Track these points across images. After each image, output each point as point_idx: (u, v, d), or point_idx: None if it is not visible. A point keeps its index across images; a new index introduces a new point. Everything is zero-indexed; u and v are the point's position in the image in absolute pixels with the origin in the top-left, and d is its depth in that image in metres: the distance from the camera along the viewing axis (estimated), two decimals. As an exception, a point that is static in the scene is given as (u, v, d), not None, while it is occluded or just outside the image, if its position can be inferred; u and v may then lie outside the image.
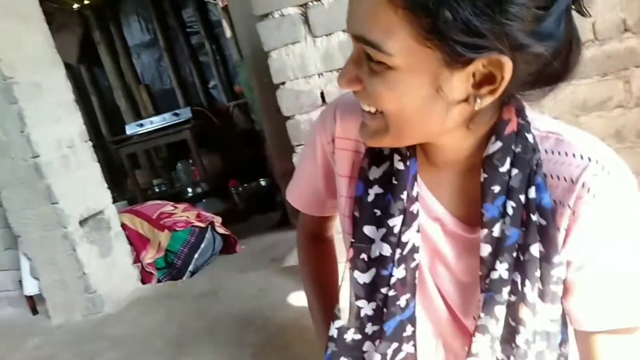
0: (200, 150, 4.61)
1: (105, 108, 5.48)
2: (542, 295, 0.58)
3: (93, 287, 2.34)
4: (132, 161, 4.95)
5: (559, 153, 0.58)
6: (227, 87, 5.14)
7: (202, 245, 2.83)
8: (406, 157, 0.63)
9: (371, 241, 0.65)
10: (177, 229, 2.80)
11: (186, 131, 4.47)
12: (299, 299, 1.95)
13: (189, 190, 4.61)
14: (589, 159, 0.55)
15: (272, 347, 1.70)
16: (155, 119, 4.74)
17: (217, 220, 3.05)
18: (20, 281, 2.51)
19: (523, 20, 0.46)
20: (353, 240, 0.67)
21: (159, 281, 2.72)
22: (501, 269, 0.58)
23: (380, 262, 0.64)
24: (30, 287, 2.43)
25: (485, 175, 0.58)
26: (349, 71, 0.55)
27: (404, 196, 0.63)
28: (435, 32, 0.46)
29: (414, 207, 0.64)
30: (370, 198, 0.65)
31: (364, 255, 0.66)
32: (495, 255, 0.59)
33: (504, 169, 0.57)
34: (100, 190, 2.52)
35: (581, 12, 0.50)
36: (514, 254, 0.58)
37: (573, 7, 0.50)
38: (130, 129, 4.81)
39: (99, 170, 2.54)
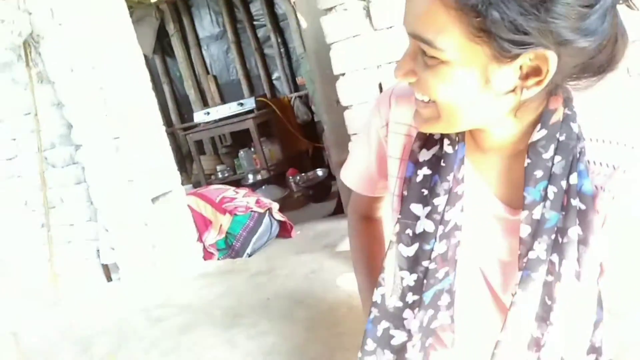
0: (262, 139, 4.79)
1: (175, 97, 5.79)
2: (578, 275, 0.61)
3: (162, 260, 2.54)
4: (198, 147, 5.22)
5: (603, 141, 0.61)
6: (289, 79, 5.27)
7: (260, 230, 2.99)
8: (455, 141, 0.68)
9: (417, 218, 0.70)
10: (238, 213, 2.97)
11: (249, 120, 4.65)
12: (349, 281, 2.03)
13: (250, 177, 4.80)
14: (632, 147, 0.59)
15: (322, 323, 1.80)
16: (221, 108, 4.96)
17: (275, 206, 3.19)
18: (98, 250, 2.76)
19: (568, 18, 0.49)
20: (400, 216, 0.72)
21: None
22: (539, 250, 0.62)
23: (424, 237, 0.69)
24: (107, 257, 2.67)
25: (529, 161, 0.62)
26: (404, 64, 0.61)
27: (450, 177, 0.68)
28: (484, 31, 0.51)
29: (459, 189, 0.68)
30: (418, 178, 0.70)
31: (409, 231, 0.71)
32: (534, 236, 0.62)
33: (547, 155, 0.61)
34: (170, 172, 2.72)
35: (630, 6, 0.53)
36: (553, 236, 0.62)
37: (620, 2, 0.53)
38: (198, 117, 5.06)
39: (171, 154, 2.74)
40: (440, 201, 0.68)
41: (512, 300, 0.64)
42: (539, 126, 0.61)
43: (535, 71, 0.54)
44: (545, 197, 0.61)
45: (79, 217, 2.86)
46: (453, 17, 0.52)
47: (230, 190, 3.25)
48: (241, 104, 4.85)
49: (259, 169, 4.82)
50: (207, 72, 5.57)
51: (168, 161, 2.71)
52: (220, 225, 2.94)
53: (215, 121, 4.91)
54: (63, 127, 2.66)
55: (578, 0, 0.48)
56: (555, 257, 0.62)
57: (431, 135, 0.71)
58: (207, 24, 5.41)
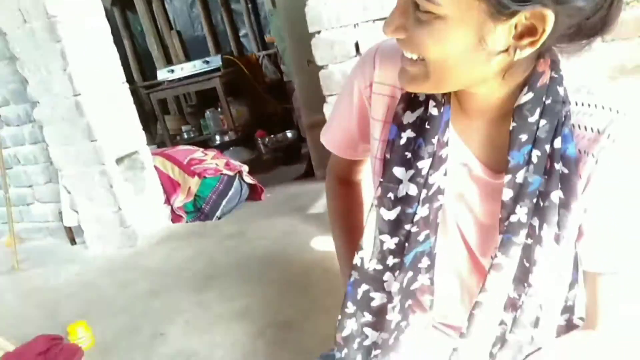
0: (229, 99, 4.65)
1: (137, 53, 5.54)
2: (557, 239, 0.61)
3: (128, 222, 2.47)
4: (162, 107, 5.04)
5: (588, 105, 0.60)
6: (257, 37, 5.12)
7: (230, 193, 2.93)
8: (441, 103, 0.66)
9: (399, 181, 0.69)
10: (207, 175, 2.89)
11: (216, 79, 4.50)
12: (322, 243, 2.04)
13: (217, 138, 4.69)
14: (617, 112, 0.58)
15: (296, 285, 1.80)
16: (185, 65, 4.77)
17: (245, 169, 3.14)
18: (60, 213, 2.66)
19: None
20: (382, 179, 0.70)
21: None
22: (521, 213, 0.62)
23: (406, 201, 0.68)
24: (70, 219, 2.58)
25: (514, 124, 0.60)
26: (395, 19, 0.57)
27: (434, 140, 0.66)
28: None
29: (443, 152, 0.67)
30: (402, 141, 0.68)
31: (391, 195, 0.69)
32: (516, 200, 0.62)
33: (533, 119, 0.60)
34: (135, 131, 2.62)
35: None
36: (534, 200, 0.62)
37: None
38: (161, 75, 4.86)
39: (135, 112, 2.62)
40: (424, 164, 0.67)
41: (492, 262, 0.65)
42: (525, 89, 0.60)
43: (530, 31, 0.52)
44: (529, 161, 0.61)
45: (37, 178, 2.74)
46: None
47: (198, 152, 3.17)
48: (207, 62, 4.68)
49: (226, 130, 4.71)
50: (171, 27, 5.33)
51: (132, 120, 2.61)
52: (189, 188, 2.87)
53: (180, 79, 4.73)
54: (16, 83, 2.50)
55: None
56: (535, 221, 0.62)
57: (416, 97, 0.69)
58: (169, -25, 5.14)
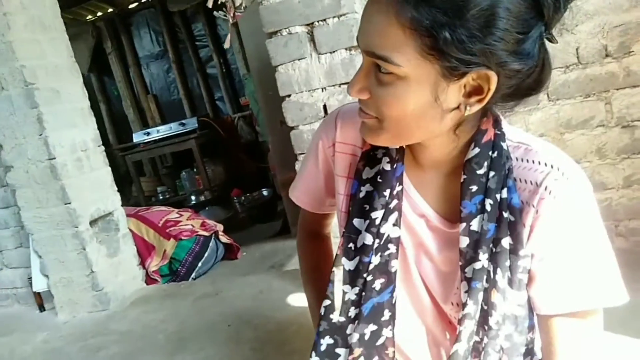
0: (205, 159, 4.72)
1: (113, 116, 5.62)
2: (510, 282, 0.65)
3: (100, 285, 2.43)
4: (137, 168, 5.07)
5: (527, 160, 0.66)
6: (232, 99, 5.27)
7: (206, 254, 2.90)
8: (394, 160, 0.72)
9: (358, 232, 0.73)
10: (183, 237, 2.87)
11: (192, 140, 4.59)
12: (297, 300, 2.04)
13: (192, 198, 4.71)
14: (552, 166, 0.64)
15: (270, 343, 1.79)
16: (162, 127, 4.87)
17: (220, 228, 3.14)
18: (29, 278, 2.60)
19: (506, 42, 0.55)
20: (345, 230, 0.75)
21: (162, 285, 2.80)
22: (483, 259, 0.66)
23: (363, 250, 0.72)
24: (40, 284, 2.52)
25: (465, 177, 0.66)
26: (358, 81, 0.63)
27: (386, 193, 0.71)
28: (436, 50, 0.55)
29: (394, 204, 0.72)
30: (361, 194, 0.74)
31: (351, 245, 0.73)
32: (476, 247, 0.66)
33: (481, 171, 0.66)
34: (110, 192, 2.63)
35: (550, 40, 0.60)
36: (491, 246, 0.66)
37: (545, 34, 0.59)
38: (137, 137, 4.93)
39: (110, 174, 2.65)
40: (377, 215, 0.72)
41: (464, 312, 0.67)
42: (472, 145, 0.66)
43: (477, 90, 0.59)
44: (482, 210, 0.66)
45: (7, 242, 2.69)
46: (408, 36, 0.56)
47: (173, 213, 3.15)
48: (183, 124, 4.78)
49: (202, 190, 4.74)
50: (147, 92, 5.45)
51: (108, 182, 2.62)
52: (165, 251, 2.84)
53: (156, 141, 4.80)
54: (-10, 148, 2.51)
55: (515, 27, 0.55)
56: (490, 266, 0.66)
57: (374, 154, 0.74)
58: (146, 43, 5.32)
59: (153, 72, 5.42)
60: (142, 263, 2.79)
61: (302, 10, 1.74)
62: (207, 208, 4.39)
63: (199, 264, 2.87)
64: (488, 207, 0.65)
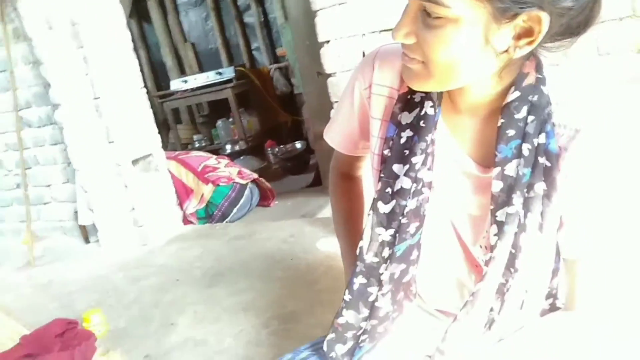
0: (240, 109, 4.77)
1: (151, 63, 5.68)
2: (540, 227, 0.66)
3: (140, 222, 2.56)
4: (175, 116, 5.17)
5: (567, 106, 0.66)
6: (269, 50, 5.24)
7: (241, 201, 3.02)
8: (436, 103, 0.71)
9: (396, 177, 0.73)
10: (221, 183, 2.98)
11: (228, 90, 4.62)
12: (328, 244, 2.11)
13: (228, 147, 4.79)
14: (592, 113, 0.64)
15: (300, 281, 1.87)
16: (199, 76, 4.90)
17: (256, 176, 3.23)
18: (75, 212, 2.76)
19: None
20: (382, 175, 0.75)
21: (198, 227, 2.92)
22: (517, 204, 0.66)
23: (401, 194, 0.73)
24: (85, 218, 2.68)
25: (502, 120, 0.65)
26: (405, 25, 0.61)
27: (428, 138, 0.71)
28: None
29: (431, 148, 0.72)
30: (402, 140, 0.74)
31: (389, 189, 0.74)
32: (510, 191, 0.66)
33: (520, 115, 0.65)
34: (150, 134, 2.72)
35: None
36: (525, 190, 0.66)
37: None
38: (175, 85, 4.99)
39: (152, 116, 2.73)
40: (417, 160, 0.72)
41: (492, 255, 0.68)
42: (512, 88, 0.65)
43: (527, 32, 0.58)
44: (519, 155, 0.66)
45: (55, 178, 2.84)
46: None
47: (212, 159, 3.24)
48: (219, 73, 4.80)
49: (237, 140, 4.81)
50: (185, 40, 5.48)
51: (149, 124, 2.71)
52: (202, 195, 2.95)
53: (193, 90, 4.86)
54: (39, 86, 2.62)
55: None
56: (522, 210, 0.67)
57: (412, 98, 0.74)
58: (185, -11, 5.30)
59: (191, 20, 5.41)
60: (180, 204, 2.91)
61: (345, -48, 1.71)
62: (241, 158, 4.46)
63: (234, 210, 2.98)
64: (526, 152, 0.65)
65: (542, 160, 0.65)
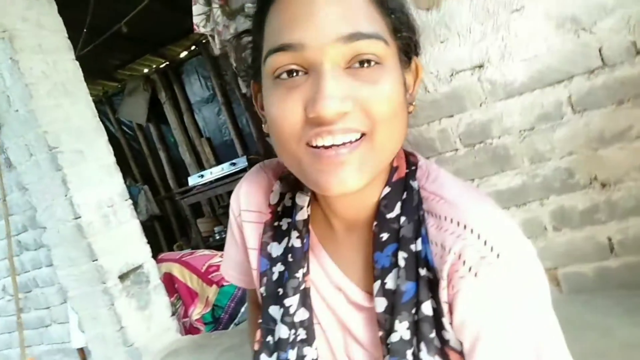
0: (256, 197, 4.74)
1: (172, 162, 5.86)
2: (442, 355, 0.51)
3: (131, 340, 2.43)
4: (195, 210, 5.19)
5: (439, 217, 0.52)
6: (281, 135, 5.28)
7: (248, 298, 2.86)
8: (303, 233, 0.61)
9: (275, 322, 0.62)
10: (225, 283, 2.83)
11: (241, 179, 4.63)
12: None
13: (246, 236, 4.71)
14: (472, 231, 0.49)
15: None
16: (214, 169, 4.97)
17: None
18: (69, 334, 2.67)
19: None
20: (261, 321, 0.63)
21: (203, 335, 2.76)
22: (401, 329, 0.52)
23: (280, 345, 0.61)
24: (78, 340, 2.58)
25: (375, 223, 0.55)
26: (336, 88, 0.47)
27: (299, 275, 0.60)
28: (396, 30, 0.53)
29: (305, 285, 0.61)
30: (274, 277, 0.63)
31: (270, 338, 0.62)
32: (392, 312, 0.52)
33: (392, 215, 0.54)
34: (139, 245, 2.65)
35: None
36: (412, 312, 0.52)
37: None
38: (192, 181, 5.07)
39: (139, 226, 2.68)
40: (291, 302, 0.61)
41: None
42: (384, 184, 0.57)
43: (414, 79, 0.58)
44: (396, 264, 0.53)
45: (53, 299, 2.81)
46: (380, 14, 0.52)
47: (216, 257, 3.14)
48: (234, 164, 4.85)
49: (255, 228, 4.74)
50: (201, 135, 5.63)
51: (136, 235, 2.65)
52: (207, 298, 2.82)
53: (211, 182, 4.90)
54: (31, 210, 2.66)
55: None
56: (412, 338, 0.52)
57: (279, 225, 0.65)
58: (197, 89, 5.53)
59: (205, 116, 5.60)
60: (186, 312, 2.78)
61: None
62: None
63: (242, 310, 2.80)
64: (402, 262, 0.52)
65: (423, 272, 0.51)
